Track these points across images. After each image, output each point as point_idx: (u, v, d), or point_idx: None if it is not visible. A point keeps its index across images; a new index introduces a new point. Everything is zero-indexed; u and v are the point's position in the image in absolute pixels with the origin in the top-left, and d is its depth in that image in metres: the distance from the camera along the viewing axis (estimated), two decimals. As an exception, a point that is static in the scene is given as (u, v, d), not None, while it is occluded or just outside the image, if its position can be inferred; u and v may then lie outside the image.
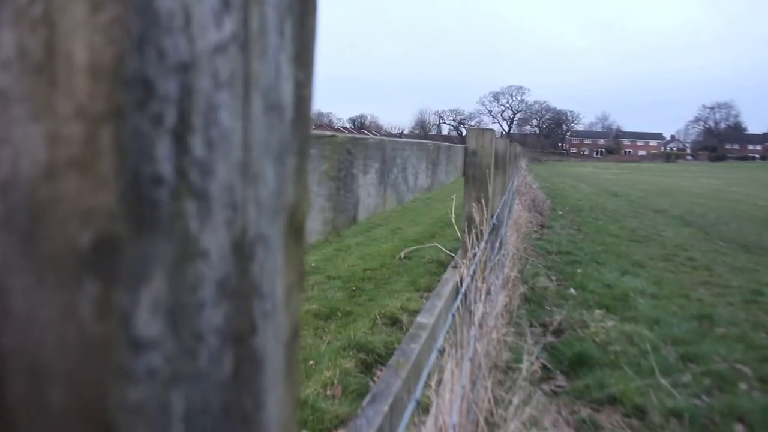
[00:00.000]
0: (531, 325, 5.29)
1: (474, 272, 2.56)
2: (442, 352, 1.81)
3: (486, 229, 2.74)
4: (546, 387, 4.29)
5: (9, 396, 0.23)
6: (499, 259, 4.96)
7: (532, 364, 3.17)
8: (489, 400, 2.46)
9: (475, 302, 2.52)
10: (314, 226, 0.82)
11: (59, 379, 0.23)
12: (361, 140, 1.03)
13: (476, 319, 2.38)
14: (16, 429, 0.23)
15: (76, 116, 0.22)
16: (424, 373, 1.40)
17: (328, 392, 3.98)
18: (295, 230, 0.38)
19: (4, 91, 0.22)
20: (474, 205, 2.76)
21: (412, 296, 6.48)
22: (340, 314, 6.16)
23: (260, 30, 0.31)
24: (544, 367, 4.39)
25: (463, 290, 2.05)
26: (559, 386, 4.25)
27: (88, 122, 0.21)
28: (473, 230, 2.74)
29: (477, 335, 2.37)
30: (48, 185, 0.22)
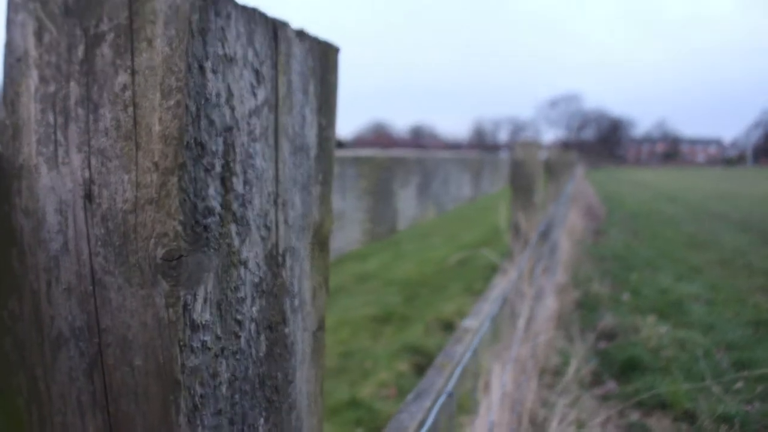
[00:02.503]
0: (583, 330, 5.27)
1: (519, 278, 2.62)
2: (475, 353, 1.89)
3: (532, 236, 2.80)
4: (596, 391, 4.29)
5: (107, 359, 0.34)
6: (550, 265, 4.98)
7: (580, 368, 3.20)
8: (534, 401, 2.51)
9: (520, 307, 2.57)
10: (354, 236, 0.92)
11: (140, 349, 0.33)
12: (400, 159, 1.12)
13: (521, 322, 2.44)
14: (112, 384, 0.34)
15: (153, 169, 0.32)
16: (457, 370, 1.48)
17: (383, 393, 4.08)
18: (320, 243, 0.48)
19: (104, 150, 0.33)
20: (520, 213, 2.82)
21: (467, 301, 6.53)
22: (396, 318, 6.25)
23: (287, 93, 0.41)
24: (594, 371, 4.38)
25: (506, 295, 2.12)
26: (609, 390, 4.24)
27: (160, 173, 0.32)
28: (520, 237, 2.80)
29: (521, 338, 2.43)
30: (134, 216, 0.33)
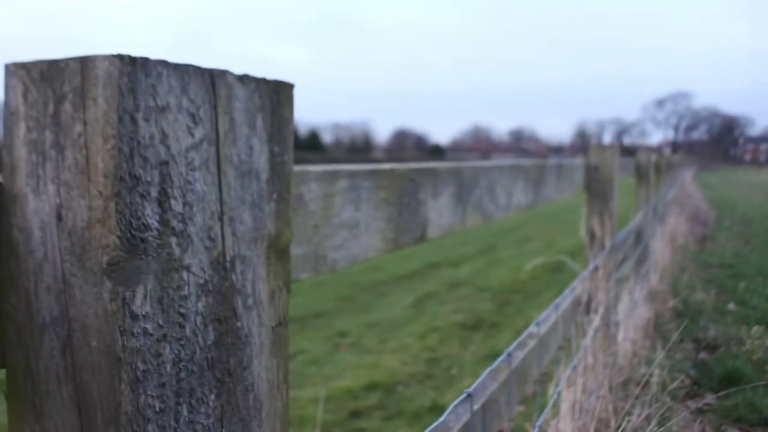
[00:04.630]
0: (680, 340, 5.10)
1: (592, 283, 2.62)
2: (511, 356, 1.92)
3: (607, 243, 2.79)
4: (691, 403, 4.16)
5: (74, 341, 0.44)
6: (641, 272, 4.87)
7: (674, 379, 3.14)
8: (606, 410, 2.51)
9: (594, 313, 2.57)
10: (372, 243, 1.01)
11: (95, 333, 0.43)
12: (428, 169, 1.20)
13: (591, 330, 2.44)
14: (77, 360, 0.44)
15: (99, 197, 0.42)
16: (512, 377, 1.54)
17: (466, 400, 4.13)
18: (278, 251, 0.58)
19: (68, 182, 0.44)
20: (595, 219, 2.81)
21: (558, 309, 6.44)
22: (486, 325, 6.26)
23: (230, 128, 0.51)
24: (691, 383, 4.24)
25: (569, 301, 2.14)
26: (706, 404, 4.10)
27: (104, 200, 0.42)
28: (595, 244, 2.80)
29: (594, 346, 2.43)
30: (88, 232, 0.43)
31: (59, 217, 0.45)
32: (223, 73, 0.50)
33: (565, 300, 2.63)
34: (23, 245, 0.47)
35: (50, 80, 0.45)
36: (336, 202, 0.88)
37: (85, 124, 0.43)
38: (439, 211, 1.26)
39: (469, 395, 1.28)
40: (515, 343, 1.94)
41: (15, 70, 0.47)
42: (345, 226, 0.92)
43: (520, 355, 2.03)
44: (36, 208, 0.46)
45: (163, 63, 0.45)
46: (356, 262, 0.97)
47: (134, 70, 0.43)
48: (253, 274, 0.54)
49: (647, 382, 3.36)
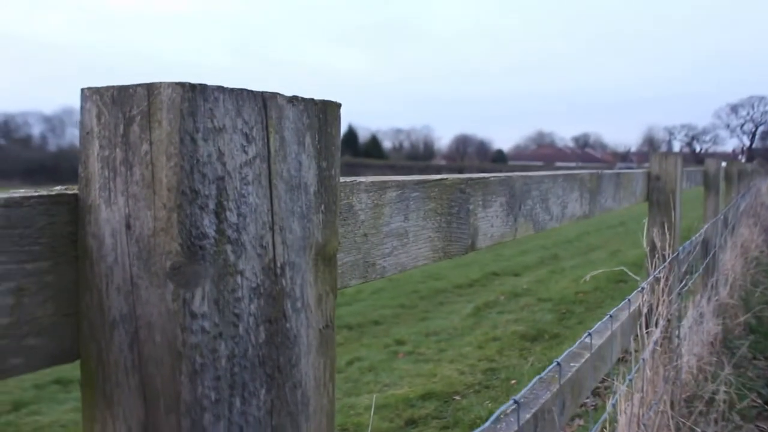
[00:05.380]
0: (753, 358, 4.94)
1: (652, 295, 2.59)
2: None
3: (669, 254, 2.75)
4: (764, 425, 4.03)
5: (140, 336, 0.50)
6: (708, 284, 4.74)
7: (733, 397, 3.06)
8: (669, 427, 2.47)
9: (654, 326, 2.54)
10: (421, 252, 1.05)
11: (159, 329, 0.49)
12: (478, 180, 1.23)
13: (651, 343, 2.42)
14: (143, 353, 0.49)
15: (163, 208, 0.48)
16: (564, 387, 1.54)
17: (524, 411, 4.11)
18: (325, 259, 0.62)
19: (136, 195, 0.49)
20: (656, 230, 2.78)
21: (621, 321, 6.32)
22: (546, 336, 6.19)
23: (281, 146, 0.55)
24: (766, 403, 4.11)
25: (628, 313, 2.13)
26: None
27: (167, 211, 0.47)
28: (656, 255, 2.76)
29: (649, 359, 2.40)
30: (153, 239, 0.48)
31: (128, 226, 0.50)
32: (274, 96, 0.55)
33: (623, 311, 2.61)
34: (96, 250, 0.53)
35: (121, 104, 0.51)
36: (385, 212, 0.93)
37: (151, 143, 0.49)
38: (489, 221, 1.29)
39: (517, 403, 1.30)
40: (566, 352, 1.95)
41: (90, 94, 0.53)
42: (394, 235, 0.96)
43: (573, 365, 2.03)
44: (107, 217, 0.52)
45: (220, 89, 0.50)
46: (405, 270, 1.01)
47: (194, 96, 0.48)
48: (301, 279, 0.58)
49: (713, 400, 3.28)
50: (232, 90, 0.51)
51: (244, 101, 0.52)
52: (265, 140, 0.54)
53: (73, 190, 0.56)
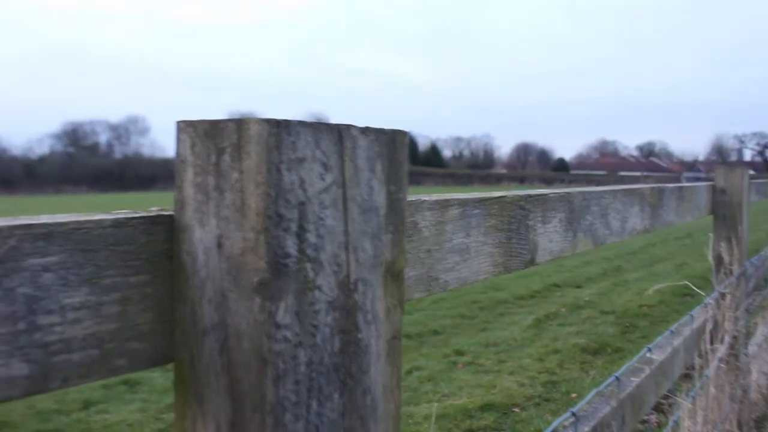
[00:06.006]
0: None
1: (718, 310, 2.55)
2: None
3: (736, 270, 2.71)
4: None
5: (230, 343, 0.56)
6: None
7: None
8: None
9: (718, 343, 2.51)
10: (482, 267, 1.09)
11: (247, 338, 0.55)
12: (537, 196, 1.27)
13: (715, 360, 2.39)
14: (231, 359, 0.56)
15: (251, 230, 0.54)
16: (619, 402, 1.55)
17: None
18: (393, 275, 0.67)
19: (227, 218, 0.55)
20: (723, 244, 2.74)
21: (687, 335, 6.18)
22: (609, 350, 6.11)
23: (354, 173, 0.61)
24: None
25: (691, 328, 2.11)
26: None
27: (255, 233, 0.53)
28: (722, 270, 2.72)
29: (713, 376, 2.37)
30: (243, 257, 0.55)
31: (219, 245, 0.57)
32: (348, 128, 0.61)
33: (685, 326, 2.58)
34: (190, 266, 0.59)
35: (212, 136, 0.57)
36: (447, 228, 0.97)
37: (240, 172, 0.55)
38: (549, 237, 1.32)
39: (575, 415, 1.32)
40: (625, 366, 1.95)
41: (184, 126, 0.60)
42: (456, 250, 1.00)
43: (633, 380, 2.03)
44: (200, 236, 0.58)
45: (301, 123, 0.56)
46: (466, 284, 1.05)
47: (279, 131, 0.54)
48: (372, 294, 0.64)
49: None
50: (311, 124, 0.57)
51: (322, 134, 0.58)
52: (341, 168, 0.60)
53: (168, 211, 0.63)
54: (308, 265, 0.57)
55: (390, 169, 0.66)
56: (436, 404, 4.35)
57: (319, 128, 0.58)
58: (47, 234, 0.53)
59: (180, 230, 0.60)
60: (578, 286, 9.26)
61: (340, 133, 0.60)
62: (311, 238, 0.57)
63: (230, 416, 0.57)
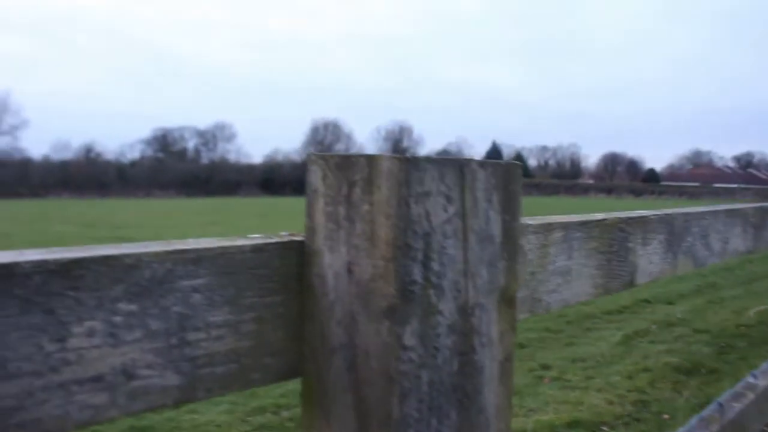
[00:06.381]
0: None
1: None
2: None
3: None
4: None
5: (358, 362, 0.60)
6: None
7: None
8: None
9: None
10: (583, 289, 1.10)
11: (375, 358, 0.59)
12: (638, 218, 1.27)
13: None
14: (359, 376, 0.60)
15: (381, 258, 0.58)
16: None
17: (676, 447, 3.95)
18: (506, 300, 0.71)
19: (357, 246, 0.60)
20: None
21: (789, 358, 5.90)
22: (703, 371, 5.88)
23: (473, 204, 0.65)
24: None
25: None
26: None
27: (385, 261, 0.58)
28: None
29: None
30: (372, 283, 0.59)
31: (349, 270, 0.61)
32: (469, 162, 0.64)
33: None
34: (319, 288, 0.64)
35: (344, 170, 0.62)
36: (551, 251, 1.00)
37: (371, 204, 0.59)
38: (649, 258, 1.32)
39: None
40: (728, 392, 1.90)
41: (315, 158, 0.65)
42: (558, 272, 1.02)
43: (736, 406, 1.97)
44: (330, 262, 0.63)
45: (428, 159, 0.60)
46: (567, 306, 1.07)
47: (408, 167, 0.58)
48: (487, 318, 0.67)
49: None
50: (436, 160, 0.61)
51: (445, 169, 0.62)
52: (462, 200, 0.63)
53: (297, 236, 0.68)
54: (432, 291, 0.61)
55: (505, 199, 0.69)
56: (530, 422, 4.32)
57: (443, 163, 0.62)
58: (197, 259, 0.59)
59: (310, 255, 0.65)
60: (670, 303, 8.96)
61: (461, 167, 0.63)
62: (435, 266, 0.61)
63: (355, 430, 0.61)
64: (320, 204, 0.64)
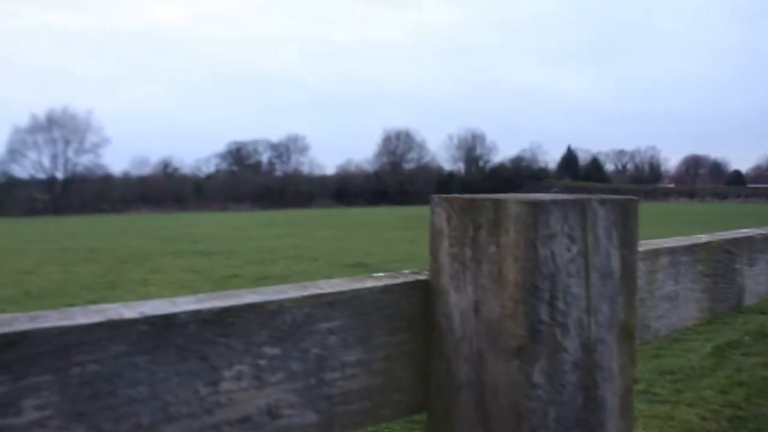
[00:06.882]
0: None
1: None
2: None
3: None
4: None
5: (486, 398, 0.62)
6: None
7: None
8: None
9: None
10: (690, 313, 1.09)
11: (503, 395, 0.61)
12: (743, 239, 1.24)
13: None
14: (489, 412, 0.62)
15: (509, 299, 0.60)
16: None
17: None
18: (626, 334, 0.71)
19: (484, 287, 0.62)
20: None
21: None
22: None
23: (594, 242, 0.66)
24: None
25: None
26: None
27: (514, 302, 0.60)
28: None
29: None
30: (500, 323, 0.61)
31: (476, 310, 0.63)
32: (590, 201, 0.66)
33: None
34: (445, 326, 0.66)
35: (469, 212, 0.64)
36: (658, 277, 0.99)
37: (498, 246, 0.61)
38: (756, 279, 1.29)
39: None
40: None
41: (439, 201, 0.68)
42: (666, 298, 1.02)
43: None
44: (456, 301, 0.65)
45: (553, 202, 0.62)
46: (674, 330, 1.06)
47: (534, 211, 0.60)
48: (609, 352, 0.68)
49: None
50: (560, 202, 0.63)
51: (568, 209, 0.63)
52: (584, 239, 0.65)
53: (421, 275, 0.71)
54: (557, 330, 0.63)
55: (623, 234, 0.70)
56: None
57: (566, 204, 0.63)
58: (332, 302, 0.62)
59: (436, 294, 0.68)
60: (764, 312, 8.59)
61: (583, 206, 0.65)
62: (560, 305, 0.63)
63: (484, 464, 0.63)
64: (445, 245, 0.67)
